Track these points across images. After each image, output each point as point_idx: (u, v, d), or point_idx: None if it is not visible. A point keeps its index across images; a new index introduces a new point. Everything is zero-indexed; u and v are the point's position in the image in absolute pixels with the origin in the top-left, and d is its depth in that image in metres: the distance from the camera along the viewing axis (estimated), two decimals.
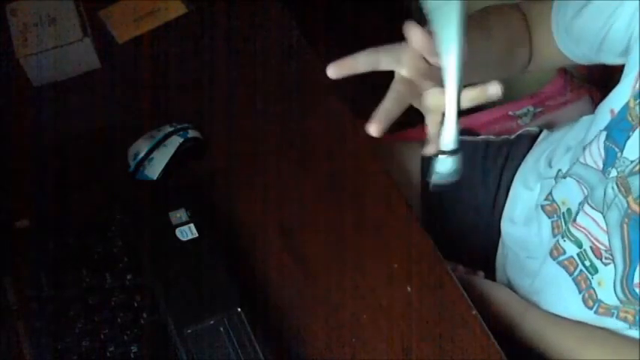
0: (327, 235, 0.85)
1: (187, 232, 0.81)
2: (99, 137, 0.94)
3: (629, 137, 0.73)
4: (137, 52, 1.04)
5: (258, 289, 0.81)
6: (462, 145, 0.66)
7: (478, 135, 1.10)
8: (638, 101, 0.72)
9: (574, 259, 0.81)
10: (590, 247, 0.79)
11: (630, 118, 0.73)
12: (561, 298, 0.83)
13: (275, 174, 0.91)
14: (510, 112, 1.10)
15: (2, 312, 0.76)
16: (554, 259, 0.83)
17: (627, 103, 0.74)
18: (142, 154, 0.90)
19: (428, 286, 0.81)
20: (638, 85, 0.73)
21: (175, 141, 0.91)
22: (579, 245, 0.80)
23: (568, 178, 0.83)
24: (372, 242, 0.85)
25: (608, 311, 0.79)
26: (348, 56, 0.68)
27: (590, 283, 0.79)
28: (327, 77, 1.02)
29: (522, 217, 0.93)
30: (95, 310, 0.76)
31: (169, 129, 0.92)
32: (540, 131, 1.03)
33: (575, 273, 0.81)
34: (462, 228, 1.03)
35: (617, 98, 0.76)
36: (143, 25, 1.06)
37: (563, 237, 0.82)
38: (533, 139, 1.01)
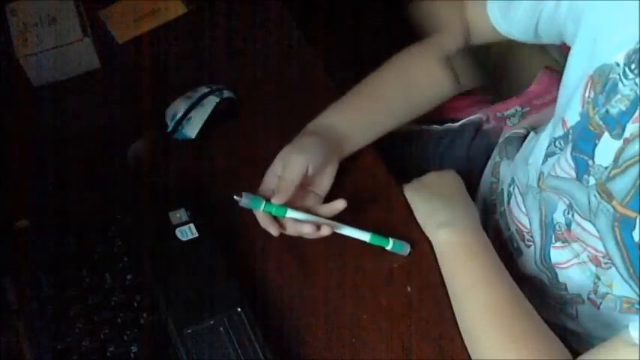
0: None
1: (187, 232, 0.81)
2: (99, 137, 0.94)
3: (596, 145, 0.73)
4: (137, 52, 1.04)
5: (258, 289, 0.81)
6: None
7: (459, 121, 1.09)
8: (596, 109, 0.72)
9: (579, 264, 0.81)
10: (588, 256, 0.78)
11: (592, 127, 0.73)
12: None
13: None
14: (499, 114, 1.09)
15: (2, 312, 0.76)
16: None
17: (586, 113, 0.74)
18: (180, 114, 0.90)
19: (428, 286, 0.81)
20: (589, 93, 0.73)
21: (212, 101, 0.93)
22: (576, 255, 0.80)
23: (543, 193, 0.82)
24: None
25: (632, 307, 0.78)
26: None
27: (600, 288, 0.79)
28: (327, 77, 1.02)
29: None
30: (95, 310, 0.76)
31: (205, 89, 0.93)
32: (528, 133, 1.02)
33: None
34: None
35: (568, 107, 0.76)
36: (143, 25, 1.06)
37: (563, 244, 0.82)
38: (522, 140, 1.01)
